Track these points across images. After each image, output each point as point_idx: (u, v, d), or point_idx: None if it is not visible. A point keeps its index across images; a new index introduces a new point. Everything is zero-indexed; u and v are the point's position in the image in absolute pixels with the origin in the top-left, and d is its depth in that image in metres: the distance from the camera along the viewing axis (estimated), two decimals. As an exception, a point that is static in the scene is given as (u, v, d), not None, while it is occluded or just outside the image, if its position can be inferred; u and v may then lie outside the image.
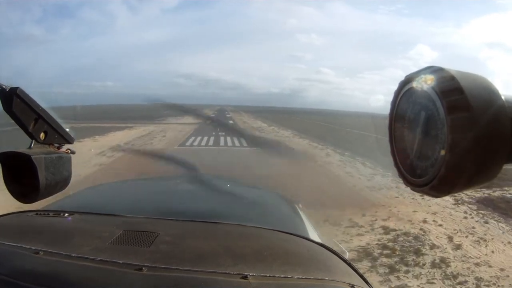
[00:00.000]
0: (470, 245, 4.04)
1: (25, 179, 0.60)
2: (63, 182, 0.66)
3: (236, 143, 13.10)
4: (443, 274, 3.31)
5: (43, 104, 0.62)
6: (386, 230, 4.35)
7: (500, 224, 4.71)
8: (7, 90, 0.59)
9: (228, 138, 14.42)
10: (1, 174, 0.61)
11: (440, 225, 4.64)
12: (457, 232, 4.40)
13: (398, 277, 3.20)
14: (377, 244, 3.94)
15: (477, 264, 3.53)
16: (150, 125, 20.59)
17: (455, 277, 3.26)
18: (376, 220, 4.67)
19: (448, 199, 5.43)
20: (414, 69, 0.34)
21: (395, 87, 0.37)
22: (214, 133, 16.03)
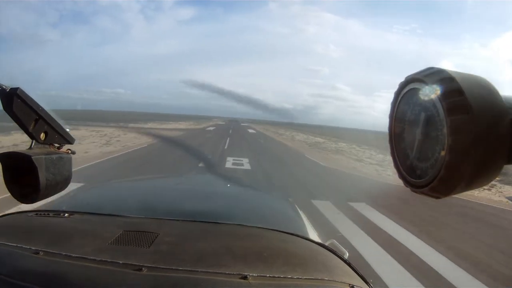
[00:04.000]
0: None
1: (25, 179, 0.60)
2: (63, 182, 0.66)
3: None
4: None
5: (43, 104, 0.62)
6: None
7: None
8: (8, 90, 0.59)
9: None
10: (2, 174, 0.62)
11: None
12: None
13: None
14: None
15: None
16: (105, 127, 13.77)
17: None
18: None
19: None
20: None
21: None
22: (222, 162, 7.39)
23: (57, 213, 1.08)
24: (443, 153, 0.30)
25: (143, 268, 0.69)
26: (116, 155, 9.27)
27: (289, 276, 0.70)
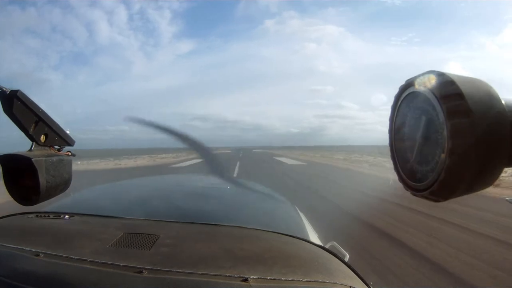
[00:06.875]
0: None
1: (25, 181, 0.60)
2: (63, 184, 0.66)
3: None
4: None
5: (43, 106, 0.62)
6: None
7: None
8: (8, 92, 0.59)
9: None
10: (2, 176, 0.62)
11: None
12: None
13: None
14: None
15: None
16: None
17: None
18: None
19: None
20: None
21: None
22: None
23: (57, 215, 1.08)
24: (443, 156, 0.29)
25: (143, 270, 0.69)
26: None
27: (290, 279, 0.70)
